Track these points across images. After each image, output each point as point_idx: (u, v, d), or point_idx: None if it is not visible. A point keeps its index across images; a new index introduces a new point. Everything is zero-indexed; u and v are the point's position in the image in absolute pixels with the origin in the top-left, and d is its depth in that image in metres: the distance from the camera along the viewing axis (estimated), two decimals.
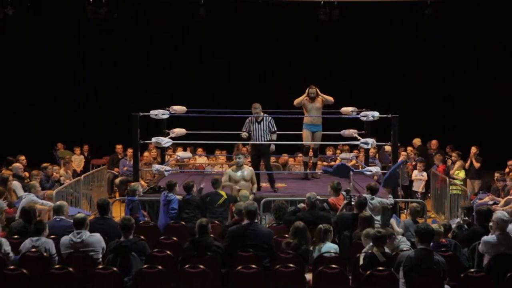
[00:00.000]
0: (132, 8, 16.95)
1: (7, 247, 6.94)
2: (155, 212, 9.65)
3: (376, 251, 6.61)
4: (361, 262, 6.65)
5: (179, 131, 11.67)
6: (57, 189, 10.55)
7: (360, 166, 12.17)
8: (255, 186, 10.12)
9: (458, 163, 12.41)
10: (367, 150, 12.21)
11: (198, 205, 9.04)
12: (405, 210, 11.21)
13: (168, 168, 10.90)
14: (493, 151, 14.05)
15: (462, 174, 12.28)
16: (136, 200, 9.05)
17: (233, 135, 11.62)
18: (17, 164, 11.43)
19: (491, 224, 7.11)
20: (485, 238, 6.92)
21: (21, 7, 15.74)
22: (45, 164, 12.02)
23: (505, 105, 16.65)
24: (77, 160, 14.98)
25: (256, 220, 7.37)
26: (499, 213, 7.13)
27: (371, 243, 6.77)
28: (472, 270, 6.60)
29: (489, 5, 16.16)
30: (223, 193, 9.22)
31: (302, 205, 8.67)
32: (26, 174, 11.38)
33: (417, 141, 14.05)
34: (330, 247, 7.13)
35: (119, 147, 14.52)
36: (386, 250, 6.71)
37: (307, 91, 11.63)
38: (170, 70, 17.57)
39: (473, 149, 12.83)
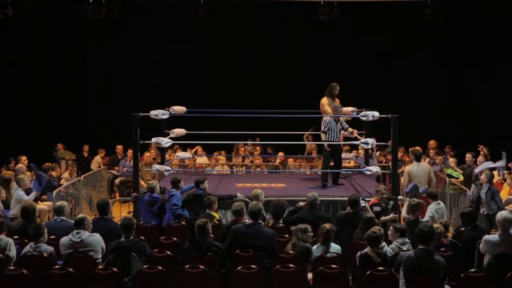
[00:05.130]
0: (132, 8, 16.91)
1: (12, 247, 6.92)
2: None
3: (371, 251, 6.61)
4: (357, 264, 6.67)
5: (179, 131, 11.66)
6: (57, 190, 10.54)
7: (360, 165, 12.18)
8: None
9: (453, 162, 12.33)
10: (367, 150, 12.22)
11: (208, 203, 8.62)
12: None
13: (168, 168, 10.90)
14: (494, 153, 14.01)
15: (459, 174, 12.17)
16: (160, 198, 9.22)
17: (233, 135, 11.58)
18: (20, 165, 11.42)
19: None
20: (487, 237, 6.92)
21: (21, 8, 15.73)
22: (46, 165, 12.00)
23: (505, 105, 16.60)
24: (96, 161, 14.90)
25: (259, 221, 7.35)
26: (504, 212, 7.12)
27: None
28: (472, 270, 6.59)
29: (491, 6, 16.15)
30: (216, 215, 8.62)
31: (301, 204, 8.66)
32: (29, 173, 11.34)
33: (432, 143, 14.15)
34: (333, 248, 7.14)
35: (119, 148, 14.47)
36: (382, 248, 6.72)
37: (336, 90, 11.32)
38: (170, 70, 17.55)
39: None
